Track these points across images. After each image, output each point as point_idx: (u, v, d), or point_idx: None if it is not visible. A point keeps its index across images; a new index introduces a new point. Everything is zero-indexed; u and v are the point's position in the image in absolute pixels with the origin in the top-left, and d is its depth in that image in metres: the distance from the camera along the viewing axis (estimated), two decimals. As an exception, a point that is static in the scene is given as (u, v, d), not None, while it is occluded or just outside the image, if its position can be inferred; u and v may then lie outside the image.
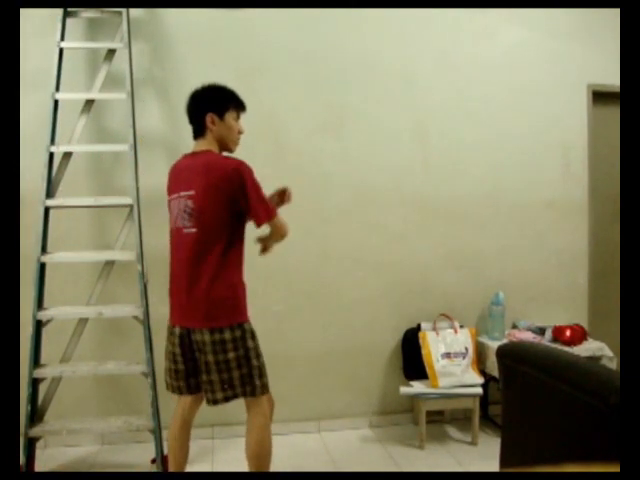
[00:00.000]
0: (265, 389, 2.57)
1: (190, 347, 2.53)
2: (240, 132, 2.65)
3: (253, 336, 2.56)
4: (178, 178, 2.57)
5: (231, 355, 2.45)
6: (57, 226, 3.28)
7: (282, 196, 2.79)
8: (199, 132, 2.57)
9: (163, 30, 3.59)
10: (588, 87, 4.12)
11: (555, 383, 1.76)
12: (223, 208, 2.43)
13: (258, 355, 2.56)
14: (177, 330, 2.55)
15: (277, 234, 2.60)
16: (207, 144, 2.55)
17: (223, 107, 2.55)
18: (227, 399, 2.50)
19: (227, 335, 2.45)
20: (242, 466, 3.21)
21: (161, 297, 3.56)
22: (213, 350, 2.44)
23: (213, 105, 2.54)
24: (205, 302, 2.45)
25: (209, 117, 2.52)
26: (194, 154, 2.56)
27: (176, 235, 2.55)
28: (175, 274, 2.58)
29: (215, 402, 2.50)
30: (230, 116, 2.58)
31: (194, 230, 2.45)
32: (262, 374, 2.56)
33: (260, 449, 2.57)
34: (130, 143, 3.22)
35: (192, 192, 2.45)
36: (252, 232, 2.62)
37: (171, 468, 2.70)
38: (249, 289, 3.70)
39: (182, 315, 2.54)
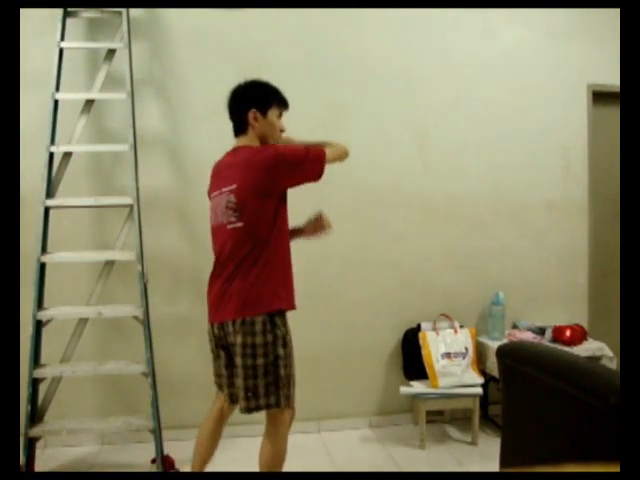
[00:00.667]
0: (290, 400, 2.49)
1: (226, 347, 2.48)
2: (282, 130, 2.61)
3: (285, 343, 2.45)
4: (220, 176, 2.52)
5: (260, 361, 2.36)
6: (57, 226, 3.28)
7: (318, 223, 2.78)
8: (240, 128, 2.53)
9: (163, 30, 3.59)
10: (588, 87, 4.12)
11: (555, 383, 1.76)
12: (266, 200, 2.39)
13: (287, 365, 2.46)
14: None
15: (340, 158, 2.67)
16: (248, 140, 2.50)
17: (266, 104, 2.50)
18: (249, 410, 2.40)
19: (258, 330, 2.37)
20: (242, 466, 3.22)
21: (161, 297, 3.58)
22: (242, 352, 2.37)
23: (256, 101, 2.49)
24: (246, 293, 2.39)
25: (252, 113, 2.47)
26: (235, 150, 2.52)
27: (218, 232, 2.49)
28: (216, 270, 2.51)
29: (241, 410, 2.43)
30: (273, 113, 2.52)
31: (240, 224, 2.38)
32: (289, 385, 2.48)
33: (274, 460, 2.48)
34: (130, 143, 3.22)
35: (234, 186, 2.39)
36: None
37: (195, 466, 2.67)
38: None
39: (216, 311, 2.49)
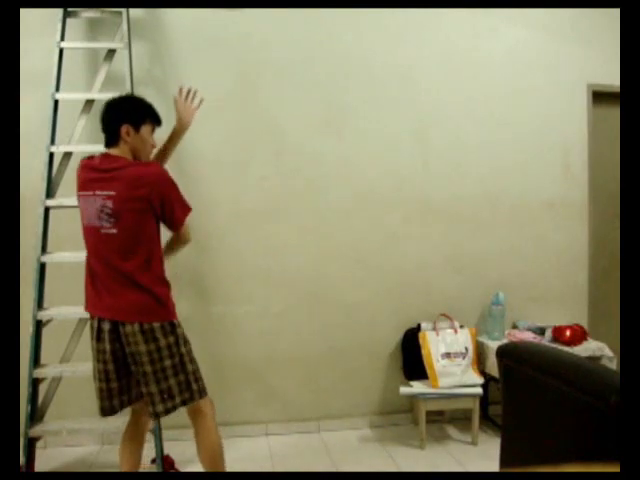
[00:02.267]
0: (202, 392, 2.55)
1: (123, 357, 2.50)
2: (153, 146, 2.64)
3: (186, 341, 2.54)
4: (92, 177, 2.47)
5: (167, 363, 2.44)
6: (57, 226, 3.28)
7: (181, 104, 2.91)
8: (112, 141, 2.52)
9: (163, 30, 3.59)
10: (588, 87, 4.12)
11: (555, 383, 1.76)
12: (145, 214, 2.43)
13: (191, 360, 2.54)
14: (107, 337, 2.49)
15: (182, 242, 2.67)
16: (120, 152, 2.50)
17: (140, 120, 2.52)
18: (167, 411, 2.47)
19: (159, 336, 2.43)
20: (239, 466, 3.23)
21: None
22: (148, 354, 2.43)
23: (130, 117, 2.50)
24: (134, 302, 2.44)
25: (125, 128, 2.47)
26: (109, 156, 2.49)
27: (92, 234, 2.48)
28: (95, 272, 2.50)
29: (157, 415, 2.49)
30: (146, 129, 2.54)
31: (114, 231, 2.40)
32: (197, 378, 2.54)
33: (212, 452, 2.58)
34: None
35: (112, 193, 2.39)
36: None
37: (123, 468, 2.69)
38: (249, 290, 3.73)
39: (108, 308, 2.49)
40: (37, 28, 3.37)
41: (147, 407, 2.53)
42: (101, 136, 3.50)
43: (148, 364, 2.42)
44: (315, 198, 3.80)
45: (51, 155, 3.22)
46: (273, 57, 3.71)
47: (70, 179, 3.34)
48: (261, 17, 3.65)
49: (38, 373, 3.11)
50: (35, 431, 3.08)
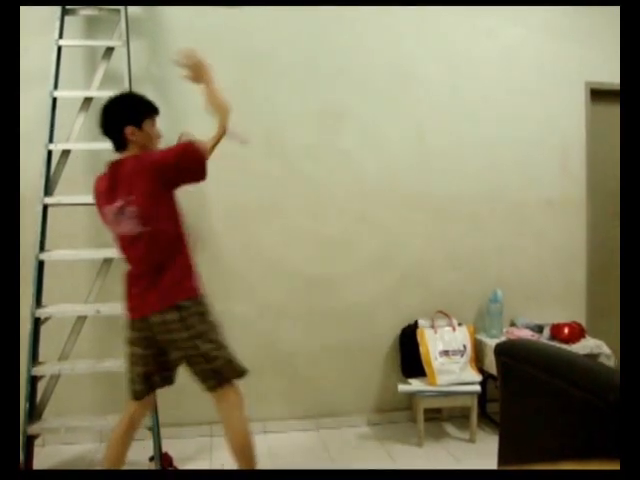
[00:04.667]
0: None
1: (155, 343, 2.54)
2: (159, 136, 2.64)
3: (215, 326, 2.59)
4: (110, 188, 2.50)
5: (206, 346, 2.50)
6: (55, 224, 3.28)
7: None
8: (121, 145, 2.53)
9: (161, 28, 3.59)
10: (586, 85, 4.13)
11: (553, 381, 1.77)
12: (163, 202, 2.47)
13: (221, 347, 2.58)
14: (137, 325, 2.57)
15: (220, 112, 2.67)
16: (131, 154, 2.51)
17: (140, 117, 2.52)
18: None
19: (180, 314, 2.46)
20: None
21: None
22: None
23: (131, 118, 2.50)
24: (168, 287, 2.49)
25: (129, 130, 2.47)
26: (120, 161, 2.51)
27: (124, 240, 2.54)
28: (134, 274, 2.57)
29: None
30: (147, 124, 2.55)
31: (147, 229, 2.45)
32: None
33: (244, 441, 2.62)
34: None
35: (132, 197, 2.42)
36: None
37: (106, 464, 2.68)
38: (248, 287, 3.73)
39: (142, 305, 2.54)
40: (36, 26, 3.36)
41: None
42: (99, 134, 3.51)
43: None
44: (314, 196, 3.80)
45: (49, 153, 3.22)
46: (272, 55, 3.70)
47: (68, 177, 3.36)
48: (260, 15, 3.65)
49: (36, 371, 3.11)
50: (34, 429, 3.08)
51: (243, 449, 2.60)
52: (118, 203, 2.45)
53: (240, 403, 2.60)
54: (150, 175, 2.42)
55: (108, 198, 2.49)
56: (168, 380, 2.70)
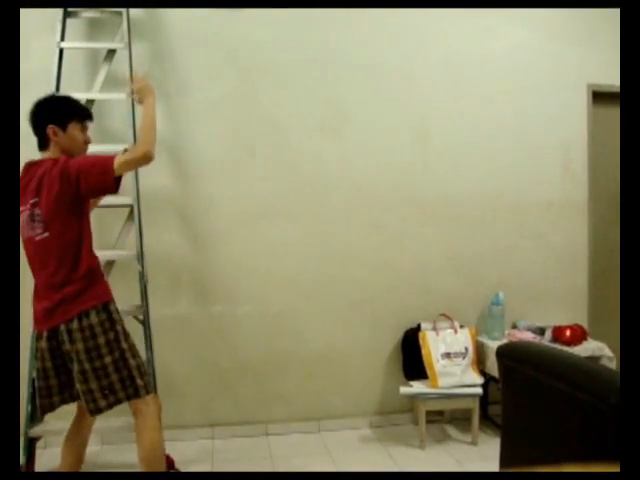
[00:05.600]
0: (149, 388, 2.51)
1: (61, 355, 2.46)
2: (87, 142, 2.60)
3: (127, 336, 2.50)
4: (25, 189, 2.45)
5: (107, 360, 2.40)
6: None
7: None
8: (42, 144, 2.51)
9: (163, 30, 3.59)
10: (588, 87, 4.12)
11: (555, 383, 1.76)
12: (67, 207, 2.39)
13: (134, 355, 2.49)
14: (44, 335, 2.46)
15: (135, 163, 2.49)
16: (51, 155, 2.49)
17: (65, 119, 2.49)
18: (110, 405, 2.43)
19: (95, 321, 2.40)
20: (242, 466, 3.23)
21: (161, 297, 3.58)
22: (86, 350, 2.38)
23: (54, 117, 2.47)
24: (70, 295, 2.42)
25: (50, 129, 2.46)
26: (37, 162, 2.48)
27: (30, 245, 2.47)
28: (39, 281, 2.50)
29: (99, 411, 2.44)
30: (74, 127, 2.51)
31: (47, 235, 2.40)
32: (142, 373, 2.49)
33: (151, 452, 2.50)
34: (130, 143, 3.22)
35: (37, 199, 2.39)
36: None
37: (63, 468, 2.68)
38: (249, 289, 3.73)
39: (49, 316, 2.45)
40: (37, 28, 3.37)
41: (85, 405, 2.46)
42: (101, 136, 3.53)
43: (87, 361, 2.38)
44: (315, 198, 3.80)
45: (51, 155, 3.22)
46: (273, 57, 3.71)
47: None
48: (261, 17, 3.65)
49: (38, 373, 3.10)
50: (35, 431, 3.08)
51: (153, 460, 2.53)
52: (28, 204, 2.41)
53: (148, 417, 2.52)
54: (58, 179, 2.36)
55: (22, 199, 2.44)
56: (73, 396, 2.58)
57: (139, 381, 2.46)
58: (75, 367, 2.41)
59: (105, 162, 2.38)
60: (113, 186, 2.41)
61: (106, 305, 2.48)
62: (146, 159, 2.43)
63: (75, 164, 2.39)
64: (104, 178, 2.38)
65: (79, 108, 2.59)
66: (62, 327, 2.40)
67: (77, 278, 2.42)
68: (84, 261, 2.46)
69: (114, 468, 3.29)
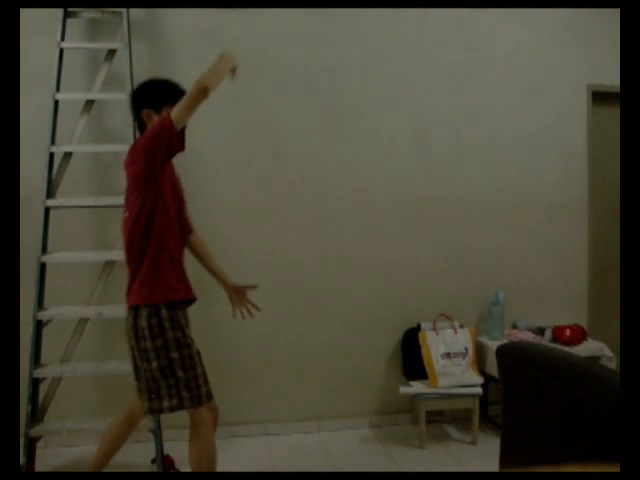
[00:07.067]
0: (201, 400, 2.44)
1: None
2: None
3: (179, 347, 2.44)
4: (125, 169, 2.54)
5: (154, 364, 2.41)
6: (57, 226, 3.28)
7: (239, 296, 3.02)
8: (140, 128, 2.57)
9: (163, 30, 3.59)
10: (588, 88, 4.12)
11: (555, 383, 1.76)
12: (141, 189, 2.41)
13: (185, 367, 2.42)
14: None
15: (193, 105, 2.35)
16: None
17: (159, 102, 2.50)
18: (153, 412, 2.47)
19: (144, 324, 2.43)
20: (242, 466, 3.23)
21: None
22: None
23: (149, 101, 2.50)
24: None
25: (145, 113, 2.50)
26: (135, 143, 2.55)
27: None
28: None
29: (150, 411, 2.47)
30: (168, 110, 2.45)
31: (127, 214, 2.47)
32: (191, 387, 2.43)
33: (201, 462, 2.48)
34: (130, 143, 3.21)
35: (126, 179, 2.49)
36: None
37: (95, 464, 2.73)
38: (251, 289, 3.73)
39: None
40: (37, 28, 3.37)
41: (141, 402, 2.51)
42: (101, 136, 3.53)
43: (139, 359, 2.44)
44: (315, 198, 3.80)
45: (51, 155, 3.23)
46: (273, 57, 3.71)
47: (70, 179, 3.36)
48: (261, 17, 3.65)
49: (38, 373, 3.11)
50: (35, 431, 3.08)
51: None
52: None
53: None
54: (135, 157, 2.41)
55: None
56: None
57: (185, 393, 2.40)
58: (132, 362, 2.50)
59: (160, 123, 2.34)
60: (176, 142, 2.35)
61: (158, 310, 2.45)
62: (202, 92, 2.28)
63: (141, 141, 2.42)
64: (165, 140, 2.32)
65: (171, 90, 2.53)
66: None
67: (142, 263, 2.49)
68: (150, 253, 2.48)
69: (114, 468, 3.28)
